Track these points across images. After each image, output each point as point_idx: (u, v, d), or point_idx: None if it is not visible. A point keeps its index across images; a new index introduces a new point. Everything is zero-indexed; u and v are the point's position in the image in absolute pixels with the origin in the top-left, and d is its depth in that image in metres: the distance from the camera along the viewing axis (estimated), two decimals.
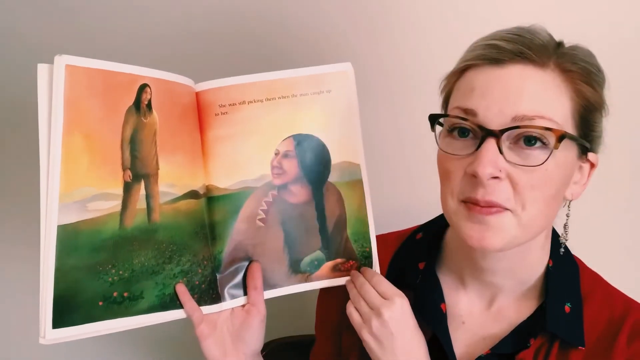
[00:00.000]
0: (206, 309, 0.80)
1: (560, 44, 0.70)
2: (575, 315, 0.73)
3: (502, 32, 0.69)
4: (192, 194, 0.81)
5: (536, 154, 0.65)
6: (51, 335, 0.70)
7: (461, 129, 0.69)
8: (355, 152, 0.84)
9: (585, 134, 0.69)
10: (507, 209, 0.66)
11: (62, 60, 0.70)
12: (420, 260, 0.83)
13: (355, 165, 0.84)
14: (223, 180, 0.83)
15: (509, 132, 0.65)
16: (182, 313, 0.79)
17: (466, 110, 0.68)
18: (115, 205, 0.74)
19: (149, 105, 0.77)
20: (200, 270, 0.80)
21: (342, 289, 0.82)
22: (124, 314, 0.75)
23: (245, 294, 0.83)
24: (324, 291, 0.91)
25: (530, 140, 0.65)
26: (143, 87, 0.76)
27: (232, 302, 0.83)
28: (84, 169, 0.72)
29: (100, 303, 0.74)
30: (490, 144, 0.65)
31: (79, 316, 0.72)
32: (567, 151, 0.67)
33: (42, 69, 0.70)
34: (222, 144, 0.83)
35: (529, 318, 0.75)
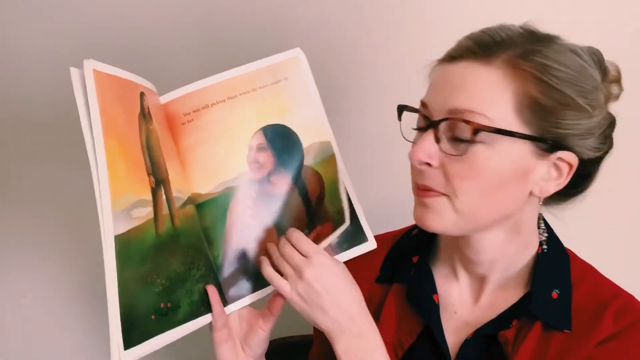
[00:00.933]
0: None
1: (532, 40, 0.69)
2: (562, 301, 0.74)
3: (478, 30, 0.72)
4: (191, 199, 0.81)
5: (464, 145, 0.67)
6: (125, 358, 0.65)
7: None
8: (323, 131, 0.87)
9: (546, 131, 0.67)
10: (443, 194, 0.70)
11: (90, 65, 0.67)
12: (414, 255, 0.85)
13: (326, 143, 0.87)
14: (204, 186, 0.83)
15: (447, 124, 0.68)
16: (207, 319, 0.77)
17: (422, 103, 0.73)
18: (150, 211, 0.72)
19: (149, 113, 0.76)
20: (212, 274, 0.80)
21: None
22: (168, 326, 0.72)
23: (246, 294, 0.82)
24: None
25: (459, 134, 0.68)
26: (142, 95, 0.76)
27: (235, 304, 0.82)
28: (123, 175, 0.68)
29: (153, 317, 0.70)
30: (429, 133, 0.70)
31: (139, 334, 0.68)
32: (512, 147, 0.67)
33: (74, 73, 0.66)
34: (195, 151, 0.83)
35: (515, 303, 0.77)
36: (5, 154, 1.15)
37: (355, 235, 0.86)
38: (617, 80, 0.74)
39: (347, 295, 0.74)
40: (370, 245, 0.86)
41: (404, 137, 0.77)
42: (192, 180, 0.83)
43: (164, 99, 0.83)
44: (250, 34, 1.13)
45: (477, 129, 0.66)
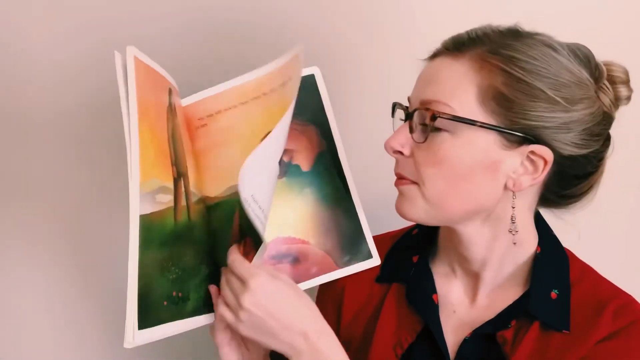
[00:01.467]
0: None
1: (508, 37, 0.71)
2: (561, 301, 0.74)
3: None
4: (202, 200, 0.82)
5: (427, 132, 0.70)
6: (138, 338, 0.65)
7: None
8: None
9: (513, 122, 0.68)
10: (414, 183, 0.73)
11: (132, 52, 0.70)
12: (414, 254, 0.86)
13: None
14: (213, 189, 0.84)
15: (417, 114, 0.72)
16: (209, 318, 0.77)
17: (408, 99, 0.77)
18: (171, 199, 0.73)
19: (175, 109, 0.79)
20: (217, 275, 0.80)
21: (339, 286, 0.87)
22: (177, 316, 0.72)
23: None
24: (321, 289, 0.93)
25: (425, 123, 0.71)
26: (170, 91, 0.78)
27: None
28: (152, 160, 0.70)
29: (165, 303, 0.70)
30: (404, 124, 0.74)
31: (153, 317, 0.68)
32: (475, 136, 0.69)
33: (118, 57, 0.68)
34: (207, 155, 0.84)
35: (513, 303, 0.77)
36: (7, 151, 1.16)
37: (361, 251, 0.85)
38: (624, 82, 0.74)
39: (294, 314, 0.70)
40: (374, 262, 0.85)
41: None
42: (203, 183, 0.84)
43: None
44: (257, 37, 1.16)
45: (435, 115, 0.69)
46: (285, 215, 0.85)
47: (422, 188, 0.72)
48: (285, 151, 0.86)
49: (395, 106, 0.80)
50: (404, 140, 0.74)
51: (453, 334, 0.79)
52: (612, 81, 0.73)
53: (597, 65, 0.73)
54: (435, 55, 0.75)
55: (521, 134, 0.69)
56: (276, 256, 0.84)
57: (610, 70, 0.74)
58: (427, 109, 0.70)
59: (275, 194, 0.85)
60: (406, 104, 0.78)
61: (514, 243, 0.75)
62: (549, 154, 0.69)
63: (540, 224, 0.80)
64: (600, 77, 0.72)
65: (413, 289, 0.82)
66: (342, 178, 0.87)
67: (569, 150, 0.70)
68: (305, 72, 0.88)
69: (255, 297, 0.68)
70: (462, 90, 0.70)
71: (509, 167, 0.70)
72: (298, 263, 0.84)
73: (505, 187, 0.71)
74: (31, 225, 1.14)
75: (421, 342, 0.78)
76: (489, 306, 0.79)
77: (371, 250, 0.86)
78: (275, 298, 0.69)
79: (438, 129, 0.70)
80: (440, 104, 0.70)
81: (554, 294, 0.74)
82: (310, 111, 0.87)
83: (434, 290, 0.81)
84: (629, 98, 0.75)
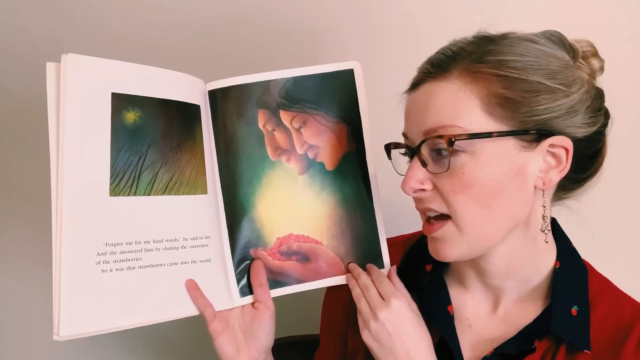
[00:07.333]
0: (219, 306, 0.78)
1: (483, 43, 0.71)
2: (582, 318, 0.72)
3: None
4: None
5: (446, 160, 0.68)
6: None
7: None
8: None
9: (524, 122, 0.67)
10: (448, 218, 0.71)
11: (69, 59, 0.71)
12: (427, 263, 0.83)
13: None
14: None
15: (426, 145, 0.70)
16: (194, 310, 0.76)
17: (403, 135, 0.75)
18: None
19: None
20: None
21: (348, 291, 0.82)
22: None
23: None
24: (329, 292, 0.91)
25: (440, 151, 0.69)
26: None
27: (243, 299, 0.81)
28: None
29: None
30: (414, 160, 0.71)
31: None
32: (495, 148, 0.68)
33: (50, 67, 0.70)
34: None
35: (534, 320, 0.74)
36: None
37: (373, 259, 0.84)
38: (594, 54, 0.74)
39: (417, 343, 0.73)
40: (384, 271, 0.84)
41: (398, 173, 0.77)
42: None
43: (211, 85, 0.82)
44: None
45: (451, 139, 0.66)
46: (302, 213, 0.83)
47: (457, 220, 0.69)
48: (311, 147, 0.83)
49: (389, 148, 0.78)
50: (422, 177, 0.71)
51: (470, 350, 0.77)
52: (585, 57, 0.73)
53: (571, 46, 0.72)
54: (417, 84, 0.73)
55: (536, 131, 0.67)
56: (286, 252, 0.82)
57: (580, 47, 0.73)
58: (440, 137, 0.67)
59: (295, 189, 0.83)
60: (395, 140, 0.76)
61: (546, 242, 0.73)
62: (567, 142, 0.68)
63: (558, 235, 0.78)
64: (576, 56, 0.72)
65: (427, 299, 0.80)
66: (366, 183, 0.85)
67: (582, 131, 0.70)
68: (344, 65, 0.85)
69: (392, 314, 0.73)
70: (465, 107, 0.67)
71: (534, 167, 0.69)
72: (307, 262, 0.83)
73: (535, 189, 0.70)
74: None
75: (436, 354, 0.75)
76: (508, 321, 0.77)
77: (384, 260, 0.85)
78: (406, 323, 0.73)
79: (455, 153, 0.67)
80: (449, 127, 0.67)
81: (574, 310, 0.72)
82: (343, 108, 0.84)
83: (449, 302, 0.79)
84: (602, 68, 0.74)
